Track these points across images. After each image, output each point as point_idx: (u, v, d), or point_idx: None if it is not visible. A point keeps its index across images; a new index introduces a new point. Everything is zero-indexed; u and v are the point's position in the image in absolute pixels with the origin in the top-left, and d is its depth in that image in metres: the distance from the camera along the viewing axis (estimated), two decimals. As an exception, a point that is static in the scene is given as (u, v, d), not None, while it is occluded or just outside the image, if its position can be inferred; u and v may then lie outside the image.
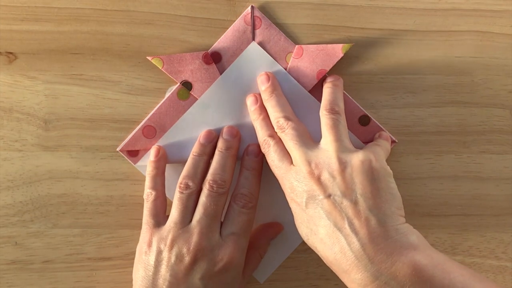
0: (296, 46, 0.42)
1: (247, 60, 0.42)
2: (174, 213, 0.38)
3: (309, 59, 0.42)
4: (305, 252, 0.43)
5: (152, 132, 0.42)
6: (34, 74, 0.42)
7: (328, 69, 0.42)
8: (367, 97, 0.43)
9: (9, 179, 0.42)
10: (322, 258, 0.36)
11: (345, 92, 0.42)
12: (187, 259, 0.37)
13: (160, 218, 0.39)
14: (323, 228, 0.35)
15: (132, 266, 0.39)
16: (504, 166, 0.43)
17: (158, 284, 0.36)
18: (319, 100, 0.41)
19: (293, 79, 0.42)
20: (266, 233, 0.42)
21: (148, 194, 0.40)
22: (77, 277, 0.42)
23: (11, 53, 0.42)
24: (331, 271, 0.43)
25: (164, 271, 0.37)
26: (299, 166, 0.37)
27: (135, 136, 0.42)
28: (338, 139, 0.37)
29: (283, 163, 0.38)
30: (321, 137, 0.38)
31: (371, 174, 0.35)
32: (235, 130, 0.41)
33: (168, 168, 0.42)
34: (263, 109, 0.41)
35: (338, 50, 0.41)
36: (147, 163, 0.41)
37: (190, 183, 0.39)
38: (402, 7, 0.43)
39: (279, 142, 0.39)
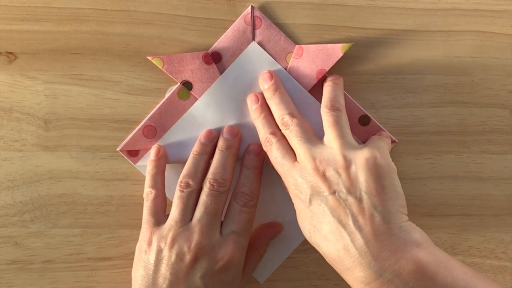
0: (296, 46, 0.42)
1: (247, 60, 0.42)
2: (175, 211, 0.38)
3: (309, 59, 0.42)
4: (305, 252, 0.43)
5: (152, 132, 0.42)
6: (34, 74, 0.42)
7: (327, 68, 0.42)
8: (367, 97, 0.43)
9: (9, 179, 0.42)
10: (324, 256, 0.36)
11: (345, 92, 0.42)
12: (187, 257, 0.37)
13: (160, 216, 0.39)
14: (327, 224, 0.35)
15: (132, 266, 0.39)
16: (504, 166, 0.44)
17: (158, 283, 0.36)
18: (319, 100, 0.41)
19: (293, 79, 0.42)
20: (266, 233, 0.42)
21: (148, 193, 0.40)
22: (77, 277, 0.43)
23: (11, 53, 0.42)
24: (331, 271, 0.43)
25: (164, 270, 0.37)
26: (303, 162, 0.37)
27: (135, 136, 0.42)
28: (340, 135, 0.37)
29: (287, 160, 0.38)
30: (323, 136, 0.38)
31: (376, 172, 0.35)
32: (235, 129, 0.41)
33: (168, 168, 0.42)
34: (264, 107, 0.41)
35: (337, 50, 0.41)
36: (147, 163, 0.42)
37: (191, 182, 0.39)
38: (402, 7, 0.43)
39: (282, 139, 0.39)
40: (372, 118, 0.43)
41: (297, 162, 0.37)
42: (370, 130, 0.43)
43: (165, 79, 0.42)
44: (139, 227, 0.40)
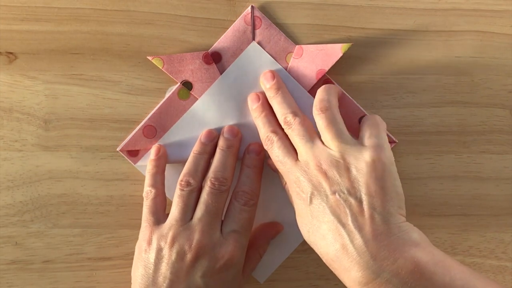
0: (296, 46, 0.42)
1: (247, 60, 0.42)
2: (175, 210, 0.39)
3: (309, 59, 0.42)
4: (305, 252, 0.43)
5: (152, 132, 0.42)
6: (34, 74, 0.42)
7: (327, 68, 0.42)
8: (367, 97, 0.43)
9: (9, 179, 0.42)
10: (321, 256, 0.36)
11: (345, 92, 0.42)
12: (188, 256, 0.37)
13: (160, 215, 0.39)
14: (326, 223, 0.35)
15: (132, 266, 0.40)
16: (504, 166, 0.44)
17: (158, 282, 0.37)
18: (319, 100, 0.41)
19: (293, 79, 0.42)
20: (265, 232, 0.43)
21: (147, 192, 0.40)
22: (77, 277, 0.43)
23: (11, 53, 0.42)
24: (331, 271, 0.43)
25: (164, 269, 0.37)
26: (306, 161, 0.37)
27: (135, 136, 0.42)
28: (337, 135, 0.37)
29: (288, 158, 0.38)
30: None
31: (376, 173, 0.35)
32: (236, 129, 0.42)
33: (168, 168, 0.42)
34: (265, 106, 0.41)
35: (337, 50, 0.41)
36: (147, 163, 0.42)
37: (191, 180, 0.39)
38: (402, 7, 0.43)
39: (283, 137, 0.39)
40: None
41: (299, 160, 0.38)
42: (370, 130, 0.43)
43: (165, 79, 0.42)
44: (139, 227, 0.41)
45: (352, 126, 0.42)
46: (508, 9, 0.43)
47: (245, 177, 0.40)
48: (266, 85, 0.41)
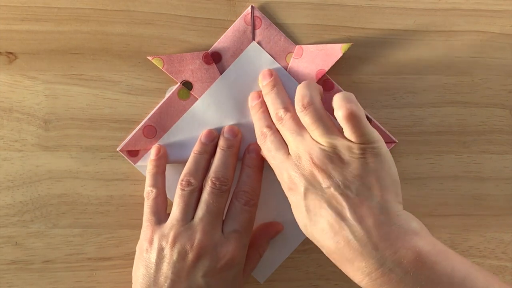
0: (296, 46, 0.42)
1: (247, 60, 0.42)
2: (176, 210, 0.39)
3: (308, 59, 0.42)
4: (305, 252, 0.44)
5: (152, 132, 0.42)
6: (34, 74, 0.42)
7: (327, 69, 0.42)
8: (367, 97, 0.43)
9: (9, 179, 0.42)
10: (321, 248, 0.36)
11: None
12: (190, 256, 0.37)
13: (161, 215, 0.40)
14: (324, 217, 0.35)
15: (132, 266, 0.40)
16: (504, 166, 0.44)
17: (160, 282, 0.37)
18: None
19: (293, 79, 0.42)
20: (265, 232, 0.43)
21: (148, 192, 0.40)
22: (77, 277, 0.43)
23: (11, 53, 0.42)
24: (331, 271, 0.43)
25: (165, 269, 0.37)
26: (297, 155, 0.37)
27: (135, 136, 0.42)
28: (324, 132, 0.36)
29: (280, 152, 0.38)
30: None
31: (369, 164, 0.35)
32: (236, 129, 0.42)
33: (168, 169, 0.42)
34: (263, 104, 0.41)
35: (337, 50, 0.42)
36: (147, 163, 0.42)
37: (192, 180, 0.39)
38: (402, 7, 0.43)
39: (277, 132, 0.39)
40: (372, 118, 0.43)
41: (290, 155, 0.38)
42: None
43: (165, 79, 0.43)
44: (139, 227, 0.41)
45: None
46: (508, 9, 0.44)
47: (245, 176, 0.41)
48: (263, 82, 0.42)
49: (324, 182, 0.35)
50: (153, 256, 0.38)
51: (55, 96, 0.43)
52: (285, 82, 0.42)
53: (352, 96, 0.37)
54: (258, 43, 0.43)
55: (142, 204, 0.42)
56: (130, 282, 0.40)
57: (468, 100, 0.44)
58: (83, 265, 0.43)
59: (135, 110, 0.43)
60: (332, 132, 0.37)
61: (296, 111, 0.38)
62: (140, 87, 0.43)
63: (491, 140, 0.44)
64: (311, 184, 0.36)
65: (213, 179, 0.39)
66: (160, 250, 0.38)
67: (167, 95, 0.42)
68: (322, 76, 0.42)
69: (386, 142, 0.38)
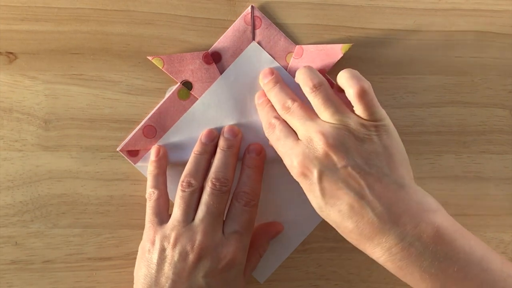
0: (297, 46, 0.42)
1: (247, 60, 0.42)
2: (177, 211, 0.39)
3: (309, 60, 0.42)
4: (305, 252, 0.44)
5: (152, 132, 0.42)
6: (34, 74, 0.42)
7: (327, 69, 0.42)
8: (367, 97, 0.43)
9: (9, 179, 0.43)
10: (338, 229, 0.36)
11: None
12: (190, 257, 0.37)
13: (163, 216, 0.40)
14: (342, 198, 0.35)
15: (133, 266, 0.40)
16: (504, 166, 0.44)
17: (161, 282, 0.37)
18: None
19: (293, 78, 0.42)
20: (266, 232, 0.43)
21: (150, 193, 0.40)
22: (77, 277, 0.43)
23: (11, 53, 0.42)
24: (331, 271, 0.43)
25: (167, 269, 0.37)
26: (308, 137, 0.36)
27: (135, 136, 0.42)
28: (337, 111, 0.37)
29: (289, 139, 0.38)
30: None
31: (382, 142, 0.36)
32: (236, 129, 0.42)
33: (169, 169, 0.42)
34: (270, 100, 0.41)
35: (337, 50, 0.42)
36: (147, 163, 0.42)
37: (193, 181, 0.39)
38: (402, 7, 0.43)
39: (285, 122, 0.39)
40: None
41: (300, 140, 0.37)
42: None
43: (165, 79, 0.43)
44: (139, 227, 0.41)
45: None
46: (508, 9, 0.44)
47: (245, 177, 0.41)
48: (264, 80, 0.42)
49: (340, 162, 0.35)
50: (154, 256, 0.38)
51: (55, 96, 0.43)
52: (285, 81, 0.42)
53: (358, 73, 0.37)
54: (258, 43, 0.43)
55: (142, 204, 0.42)
56: (130, 282, 0.40)
57: (468, 100, 0.44)
58: (83, 265, 0.43)
59: (135, 110, 0.43)
60: (344, 110, 0.37)
61: (306, 93, 0.38)
62: (140, 87, 0.43)
63: (491, 140, 0.44)
64: (326, 166, 0.35)
65: (213, 180, 0.39)
66: (162, 250, 0.38)
67: (167, 95, 0.43)
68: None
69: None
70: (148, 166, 0.42)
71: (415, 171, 0.44)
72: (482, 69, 0.44)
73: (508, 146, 0.44)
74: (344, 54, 0.42)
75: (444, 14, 0.44)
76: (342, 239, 0.44)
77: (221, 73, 0.43)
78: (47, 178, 0.43)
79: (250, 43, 0.43)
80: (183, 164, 0.41)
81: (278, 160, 0.43)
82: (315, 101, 0.38)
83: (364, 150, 0.35)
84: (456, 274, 0.33)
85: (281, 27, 0.43)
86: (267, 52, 0.43)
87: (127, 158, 0.43)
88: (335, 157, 0.35)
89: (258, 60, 0.43)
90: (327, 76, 0.43)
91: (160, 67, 0.42)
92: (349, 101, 0.38)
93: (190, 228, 0.38)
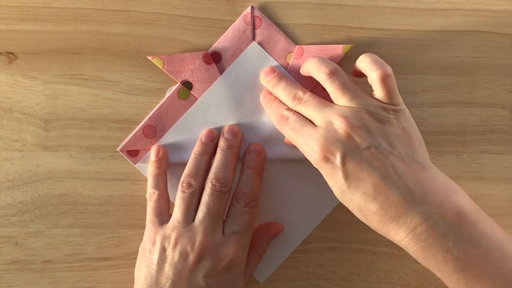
0: (297, 46, 0.43)
1: (247, 60, 0.42)
2: (177, 212, 0.39)
3: (309, 59, 0.42)
4: (305, 252, 0.44)
5: (152, 131, 0.42)
6: (34, 74, 0.42)
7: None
8: (367, 97, 0.43)
9: (9, 179, 0.43)
10: (360, 212, 0.36)
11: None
12: (191, 257, 0.37)
13: (164, 216, 0.40)
14: (366, 180, 0.35)
15: (133, 266, 0.40)
16: (504, 166, 0.44)
17: (161, 282, 0.37)
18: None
19: (293, 79, 0.42)
20: (265, 233, 0.43)
21: (151, 194, 0.40)
22: (77, 277, 0.43)
23: (11, 53, 0.42)
24: (331, 271, 0.43)
25: (167, 270, 0.37)
26: (328, 121, 0.36)
27: (135, 136, 0.42)
28: (356, 95, 0.37)
29: (306, 127, 0.37)
30: None
31: (401, 124, 0.36)
32: (236, 129, 0.42)
33: (169, 170, 0.42)
34: (276, 97, 0.41)
35: (338, 51, 0.42)
36: (147, 163, 0.42)
37: (193, 182, 0.39)
38: (402, 7, 0.43)
39: (298, 113, 0.39)
40: None
41: (318, 126, 0.37)
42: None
43: (165, 79, 0.43)
44: (139, 227, 0.41)
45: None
46: (508, 9, 0.44)
47: (246, 178, 0.41)
48: (267, 78, 0.42)
49: (363, 143, 0.35)
50: (155, 256, 0.38)
51: (55, 96, 0.43)
52: (286, 81, 0.42)
53: (379, 57, 0.38)
54: (258, 43, 0.43)
55: (142, 204, 0.42)
56: (130, 282, 0.40)
57: (468, 100, 0.44)
58: (83, 265, 0.43)
59: (135, 110, 0.43)
60: (362, 95, 0.37)
61: (321, 80, 0.38)
62: (140, 87, 0.43)
63: (491, 140, 0.44)
64: (349, 148, 0.35)
65: (213, 180, 0.39)
66: (162, 251, 0.38)
67: (167, 95, 0.43)
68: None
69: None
70: (148, 167, 0.42)
71: (415, 171, 0.44)
72: (482, 69, 0.44)
73: (508, 146, 0.44)
74: (344, 54, 0.42)
75: (444, 14, 0.44)
76: (342, 239, 0.44)
77: (221, 73, 0.43)
78: (47, 178, 0.43)
79: (250, 43, 0.43)
80: (183, 164, 0.41)
81: (278, 160, 0.43)
82: (332, 87, 0.37)
83: (385, 131, 0.36)
84: (477, 257, 0.33)
85: (281, 27, 0.43)
86: (267, 52, 0.43)
87: (127, 158, 0.43)
88: (357, 139, 0.35)
89: (258, 60, 0.43)
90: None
91: (160, 67, 0.42)
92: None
93: (190, 228, 0.38)
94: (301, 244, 0.44)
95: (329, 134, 0.36)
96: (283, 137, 0.42)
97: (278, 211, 0.44)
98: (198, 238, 0.38)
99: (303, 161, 0.43)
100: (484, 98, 0.44)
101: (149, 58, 0.42)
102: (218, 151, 0.41)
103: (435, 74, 0.44)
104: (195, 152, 0.41)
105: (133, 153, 0.43)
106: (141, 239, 0.40)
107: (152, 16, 0.43)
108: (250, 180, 0.41)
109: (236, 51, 0.43)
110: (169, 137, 0.43)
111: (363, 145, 0.35)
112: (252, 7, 0.43)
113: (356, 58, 0.42)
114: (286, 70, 0.43)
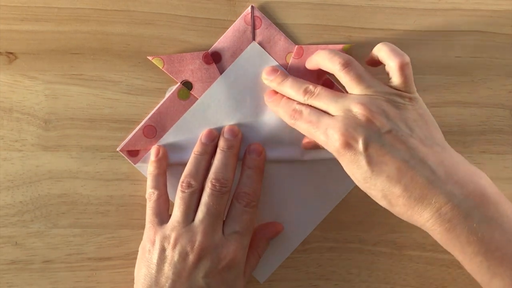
0: (296, 46, 0.43)
1: (247, 60, 0.42)
2: (177, 212, 0.39)
3: (309, 59, 0.42)
4: (305, 252, 0.44)
5: (152, 131, 0.42)
6: (34, 74, 0.42)
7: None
8: (367, 97, 0.43)
9: (9, 179, 0.43)
10: (383, 199, 0.35)
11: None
12: (191, 257, 0.37)
13: (163, 216, 0.40)
14: (389, 163, 0.35)
15: (133, 266, 0.40)
16: (504, 166, 0.44)
17: (161, 282, 0.37)
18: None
19: (293, 79, 0.42)
20: (265, 232, 0.43)
21: (150, 194, 0.41)
22: (77, 277, 0.43)
23: (11, 53, 0.42)
24: (331, 271, 0.43)
25: (167, 269, 0.37)
26: (346, 109, 0.36)
27: (136, 136, 0.42)
28: (371, 83, 0.37)
29: (324, 117, 0.37)
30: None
31: (418, 110, 0.37)
32: (236, 129, 0.42)
33: (169, 170, 0.42)
34: (282, 95, 0.41)
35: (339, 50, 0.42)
36: (147, 163, 0.42)
37: (192, 182, 0.39)
38: (402, 7, 0.43)
39: (311, 106, 0.38)
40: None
41: (335, 115, 0.37)
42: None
43: (165, 79, 0.43)
44: (139, 227, 0.41)
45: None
46: (508, 9, 0.44)
47: (246, 178, 0.41)
48: (270, 77, 0.41)
49: (383, 127, 0.35)
50: (154, 256, 0.38)
51: (55, 96, 0.43)
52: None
53: (396, 46, 0.38)
54: (258, 43, 0.43)
55: (142, 204, 0.42)
56: (130, 282, 0.40)
57: (468, 100, 0.44)
58: (83, 265, 0.43)
59: (135, 110, 0.43)
60: (377, 83, 0.38)
61: (335, 71, 0.38)
62: (140, 87, 0.43)
63: (491, 140, 0.44)
64: (370, 132, 0.35)
65: (213, 180, 0.39)
66: (162, 251, 0.38)
67: (167, 95, 0.43)
68: (323, 77, 0.42)
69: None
70: (148, 167, 0.42)
71: (415, 171, 0.44)
72: (482, 69, 0.44)
73: (508, 146, 0.44)
74: (344, 54, 0.42)
75: (444, 14, 0.44)
76: (342, 239, 0.44)
77: (221, 73, 0.43)
78: (47, 178, 0.43)
79: (250, 43, 0.43)
80: (183, 164, 0.41)
81: (278, 161, 0.43)
82: (348, 77, 0.38)
83: (403, 116, 0.36)
84: (500, 238, 0.33)
85: (281, 27, 0.43)
86: (267, 52, 0.43)
87: (127, 158, 0.43)
88: (378, 123, 0.35)
89: (258, 60, 0.43)
90: (327, 76, 0.43)
91: (160, 67, 0.42)
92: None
93: (190, 228, 0.38)
94: (301, 244, 0.44)
95: (348, 120, 0.36)
96: (283, 137, 0.42)
97: (278, 211, 0.44)
98: (198, 238, 0.38)
99: (303, 161, 0.43)
100: (484, 98, 0.44)
101: (149, 58, 0.42)
102: (218, 151, 0.41)
103: (435, 74, 0.44)
104: (195, 153, 0.41)
105: (133, 153, 0.43)
106: (141, 239, 0.40)
107: (152, 16, 0.43)
108: (251, 180, 0.41)
109: (236, 51, 0.43)
110: (169, 137, 0.43)
111: (384, 129, 0.35)
112: (252, 7, 0.43)
113: (356, 58, 0.42)
114: (286, 70, 0.43)
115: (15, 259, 0.43)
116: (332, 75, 0.43)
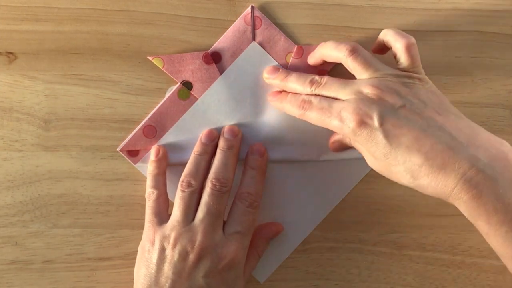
0: (296, 46, 0.43)
1: (247, 60, 0.43)
2: (177, 211, 0.39)
3: (309, 59, 0.42)
4: (305, 252, 0.44)
5: (152, 131, 0.42)
6: (34, 74, 0.43)
7: (328, 69, 0.42)
8: (367, 97, 0.43)
9: (9, 179, 0.43)
10: (406, 174, 0.35)
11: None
12: (191, 257, 0.37)
13: (163, 216, 0.40)
14: (406, 134, 0.34)
15: (132, 266, 0.40)
16: (504, 166, 0.44)
17: (161, 282, 0.37)
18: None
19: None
20: (265, 232, 0.43)
21: (150, 193, 0.41)
22: (77, 277, 0.43)
23: (11, 53, 0.42)
24: (331, 271, 0.43)
25: (166, 269, 0.37)
26: (357, 92, 0.36)
27: (136, 136, 0.42)
28: (379, 67, 0.38)
29: (335, 102, 0.37)
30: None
31: (427, 88, 0.37)
32: (236, 129, 0.42)
33: (169, 169, 0.42)
34: (287, 92, 0.41)
35: (338, 50, 0.42)
36: (147, 163, 0.42)
37: (192, 181, 0.39)
38: (402, 7, 0.43)
39: (320, 95, 0.38)
40: None
41: (346, 99, 0.37)
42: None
43: (165, 79, 0.43)
44: (139, 227, 0.41)
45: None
46: (508, 9, 0.44)
47: (249, 178, 0.41)
48: (273, 75, 0.42)
49: (396, 103, 0.35)
50: (154, 256, 0.38)
51: (55, 96, 0.43)
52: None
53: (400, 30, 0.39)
54: (258, 43, 0.43)
55: (142, 204, 0.42)
56: (130, 282, 0.40)
57: (468, 100, 0.44)
58: (83, 265, 0.43)
59: (135, 110, 0.43)
60: (386, 67, 0.38)
61: (342, 58, 0.38)
62: (140, 87, 0.43)
63: (491, 140, 0.44)
64: (384, 108, 0.35)
65: (213, 180, 0.39)
66: (162, 250, 0.38)
67: (167, 95, 0.43)
68: (324, 74, 0.43)
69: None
70: (148, 166, 0.42)
71: (415, 171, 0.44)
72: (482, 69, 0.44)
73: (508, 146, 0.44)
74: (344, 54, 0.42)
75: (444, 14, 0.44)
76: (342, 239, 0.44)
77: (221, 73, 0.43)
78: (47, 178, 0.43)
79: (250, 43, 0.43)
80: (183, 164, 0.41)
81: (278, 161, 0.43)
82: (355, 63, 0.38)
83: (414, 93, 0.36)
84: None
85: (281, 27, 0.43)
86: (267, 52, 0.43)
87: (127, 158, 0.43)
88: (391, 100, 0.36)
89: (258, 60, 0.43)
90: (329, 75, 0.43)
91: (160, 67, 0.42)
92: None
93: (190, 228, 0.38)
94: (301, 244, 0.44)
95: (361, 100, 0.36)
96: (284, 137, 0.42)
97: (278, 211, 0.44)
98: (198, 237, 0.38)
99: (303, 161, 0.43)
100: (484, 98, 0.44)
101: (149, 58, 0.42)
102: (218, 151, 0.41)
103: (435, 74, 0.44)
104: (195, 153, 0.41)
105: (133, 153, 0.43)
106: (141, 239, 0.40)
107: (152, 16, 0.43)
108: (254, 181, 0.41)
109: (236, 51, 0.43)
110: (169, 137, 0.43)
111: (397, 104, 0.35)
112: (252, 7, 0.43)
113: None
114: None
115: (15, 259, 0.43)
116: (332, 75, 0.43)
